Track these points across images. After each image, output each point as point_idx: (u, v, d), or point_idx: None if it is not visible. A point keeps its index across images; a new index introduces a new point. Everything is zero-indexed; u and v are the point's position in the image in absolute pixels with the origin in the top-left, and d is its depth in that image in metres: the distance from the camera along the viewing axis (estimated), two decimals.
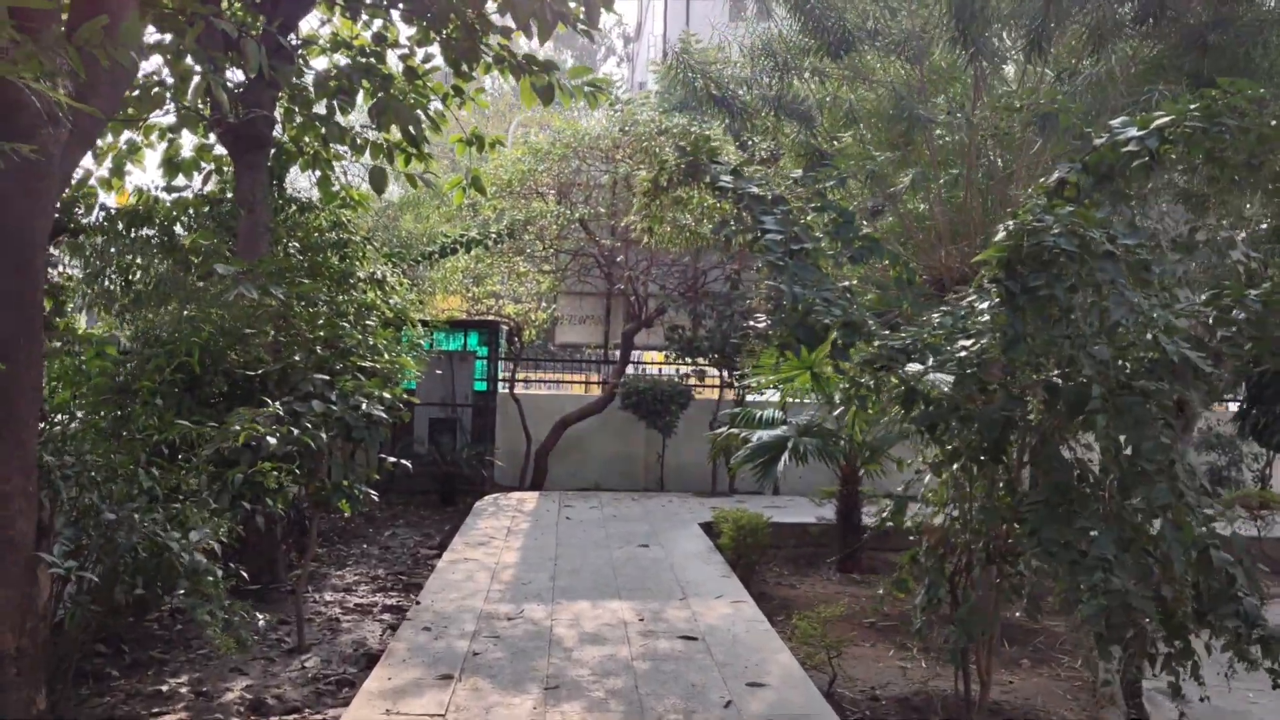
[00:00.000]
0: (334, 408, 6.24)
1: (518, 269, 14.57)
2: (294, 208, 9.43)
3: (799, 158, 7.08)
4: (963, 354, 4.62)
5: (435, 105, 9.74)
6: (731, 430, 9.62)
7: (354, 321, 7.60)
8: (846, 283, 5.78)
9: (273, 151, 10.01)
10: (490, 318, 14.76)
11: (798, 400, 9.91)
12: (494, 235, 11.86)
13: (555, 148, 13.14)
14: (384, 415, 6.39)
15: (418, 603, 7.17)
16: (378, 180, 8.74)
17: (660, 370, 16.77)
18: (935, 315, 5.17)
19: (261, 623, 5.34)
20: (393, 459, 6.77)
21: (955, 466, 5.13)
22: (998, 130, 6.82)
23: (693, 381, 14.32)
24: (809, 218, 5.91)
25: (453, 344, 14.51)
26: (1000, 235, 4.39)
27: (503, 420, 14.32)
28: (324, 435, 5.81)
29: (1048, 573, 4.56)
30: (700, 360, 13.96)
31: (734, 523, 8.65)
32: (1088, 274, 4.12)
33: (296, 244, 8.81)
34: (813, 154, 6.82)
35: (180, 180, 10.05)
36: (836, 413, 6.29)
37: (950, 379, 4.85)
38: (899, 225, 7.06)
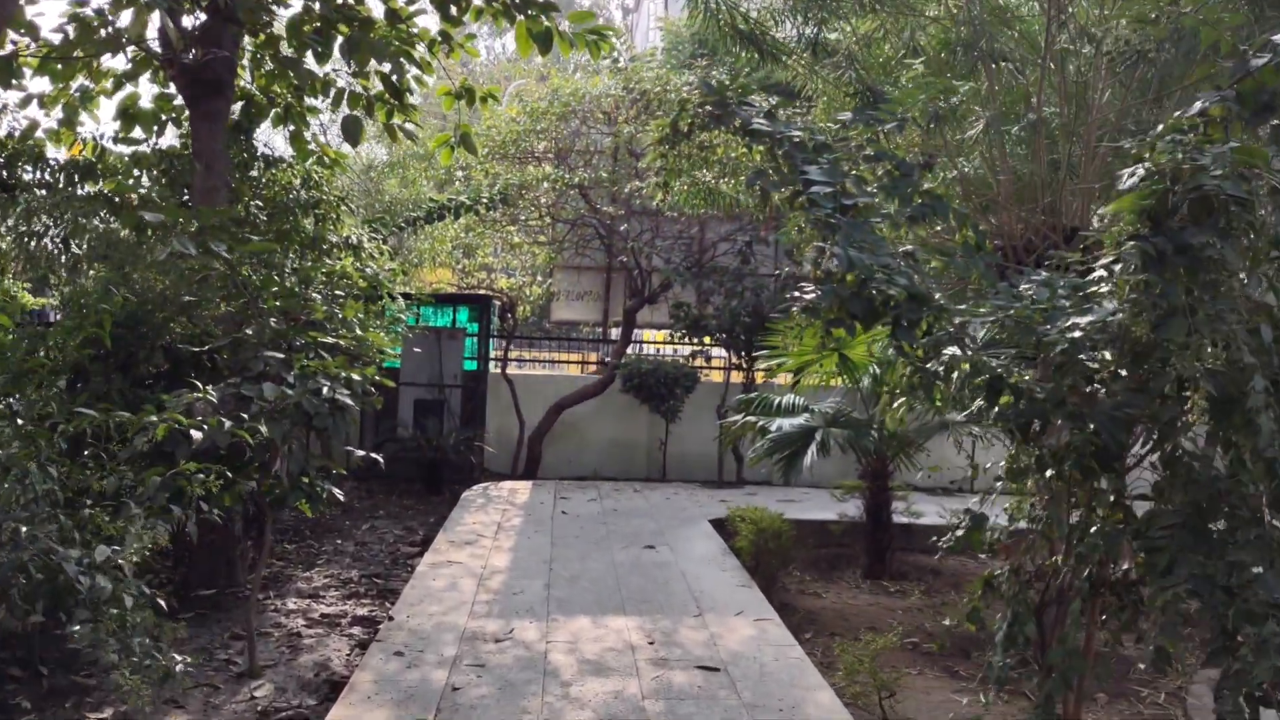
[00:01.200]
0: (289, 392, 5.24)
1: (511, 240, 13.54)
2: (260, 163, 8.37)
3: (848, 98, 6.04)
4: (1076, 334, 3.62)
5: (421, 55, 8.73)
6: (747, 418, 8.62)
7: (323, 291, 6.60)
8: (909, 247, 4.78)
9: (241, 104, 9.02)
10: (481, 292, 13.74)
11: (821, 384, 8.95)
12: (485, 201, 10.82)
13: (553, 106, 12.07)
14: (350, 401, 5.39)
15: (390, 618, 6.19)
16: (351, 130, 7.70)
17: (659, 350, 15.79)
18: (1026, 286, 4.17)
19: (186, 663, 4.33)
20: (363, 452, 5.77)
21: (1048, 474, 4.15)
22: (1075, 75, 5.82)
23: (699, 363, 13.31)
24: (860, 169, 4.90)
25: (440, 320, 13.48)
26: (1134, 178, 3.38)
27: (494, 402, 13.33)
28: (263, 427, 4.79)
29: (1179, 612, 3.59)
30: (707, 340, 12.96)
31: (753, 524, 7.66)
32: (1260, 228, 3.13)
33: (260, 203, 7.77)
34: (862, 93, 5.79)
35: (139, 134, 9.01)
36: (897, 404, 5.30)
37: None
38: (956, 184, 6.05)
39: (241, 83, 9.03)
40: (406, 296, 10.51)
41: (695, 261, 13.41)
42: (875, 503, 8.49)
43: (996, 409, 4.06)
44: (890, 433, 8.34)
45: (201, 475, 4.37)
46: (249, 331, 5.69)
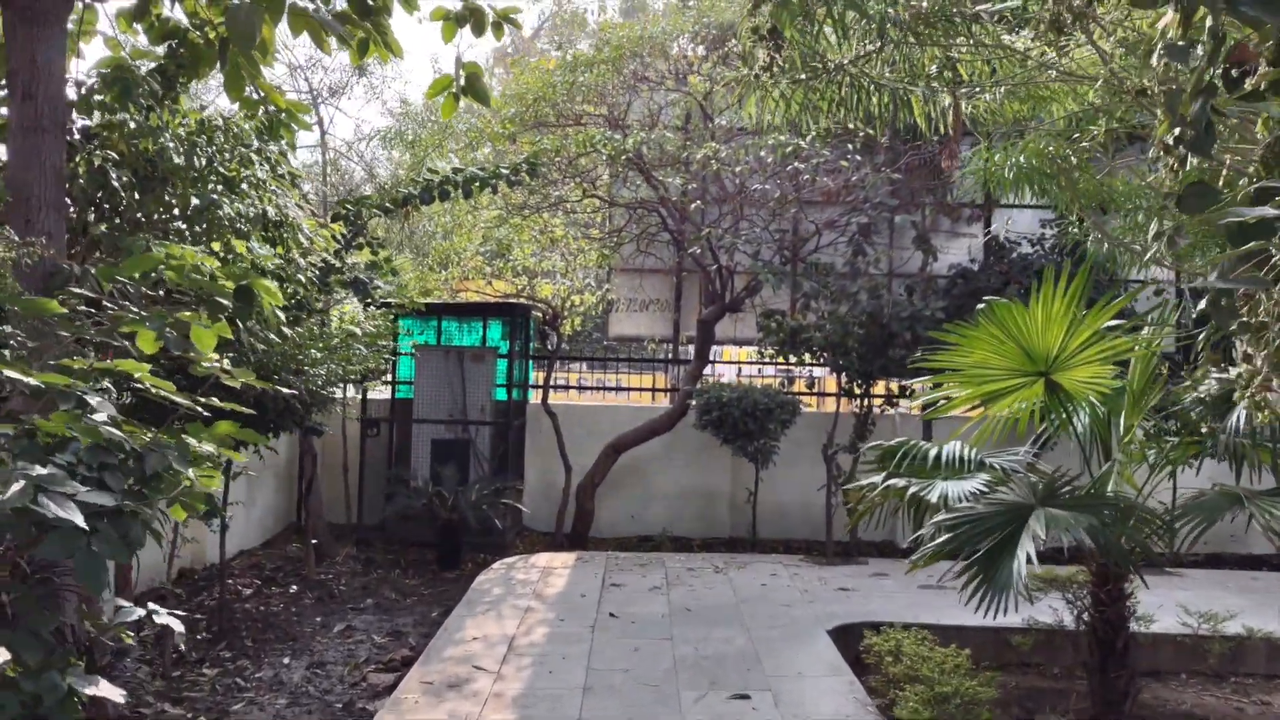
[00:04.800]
0: None
1: (553, 234, 10.55)
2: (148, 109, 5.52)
3: None
4: None
5: None
6: (891, 481, 5.47)
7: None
8: None
9: (167, 46, 6.29)
10: (518, 301, 10.79)
11: (1011, 419, 5.79)
12: (507, 173, 7.88)
13: (601, 54, 9.08)
14: (106, 501, 2.42)
15: None
16: (243, 26, 4.82)
17: (740, 371, 12.61)
18: None
19: None
20: (129, 605, 2.80)
21: None
22: None
23: (797, 389, 10.16)
24: None
25: (466, 338, 10.59)
26: None
27: (533, 442, 10.38)
28: None
29: None
30: (807, 358, 9.80)
31: (924, 684, 4.50)
32: None
33: (115, 154, 4.94)
34: None
35: None
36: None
37: None
38: None
39: (164, 12, 6.33)
40: (386, 305, 7.65)
41: (791, 256, 10.29)
42: (1107, 619, 5.23)
43: None
44: (1124, 506, 5.13)
45: None
46: None
